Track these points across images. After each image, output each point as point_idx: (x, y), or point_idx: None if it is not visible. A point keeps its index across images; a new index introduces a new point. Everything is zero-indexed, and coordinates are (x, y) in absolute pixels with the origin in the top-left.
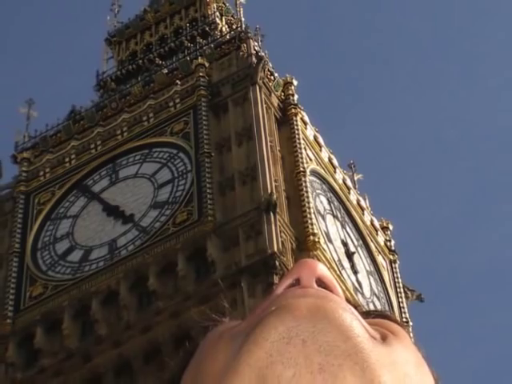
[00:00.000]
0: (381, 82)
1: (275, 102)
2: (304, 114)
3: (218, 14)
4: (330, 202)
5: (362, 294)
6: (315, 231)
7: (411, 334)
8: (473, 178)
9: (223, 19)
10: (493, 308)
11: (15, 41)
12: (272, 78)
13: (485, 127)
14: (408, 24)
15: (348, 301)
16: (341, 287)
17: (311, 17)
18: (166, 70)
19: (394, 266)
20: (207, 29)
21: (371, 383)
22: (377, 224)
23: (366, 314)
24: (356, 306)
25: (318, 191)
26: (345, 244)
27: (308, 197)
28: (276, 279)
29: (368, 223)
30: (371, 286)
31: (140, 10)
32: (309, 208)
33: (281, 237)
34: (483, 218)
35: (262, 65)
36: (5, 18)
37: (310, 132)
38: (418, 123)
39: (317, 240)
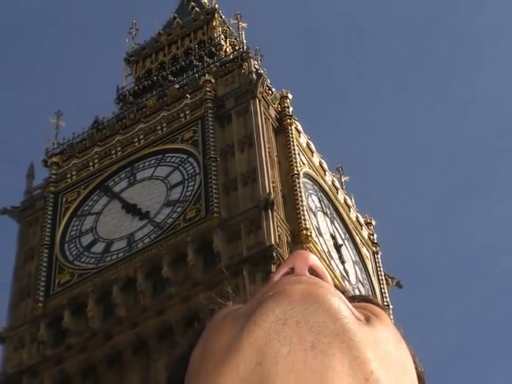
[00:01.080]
0: (365, 96)
1: (273, 113)
2: (298, 123)
3: (222, 36)
4: (320, 201)
5: (349, 281)
6: (307, 226)
7: (391, 316)
8: (445, 180)
9: (227, 41)
10: (462, 293)
11: (46, 60)
12: (270, 92)
13: (455, 135)
14: (387, 46)
15: (336, 287)
16: (330, 275)
17: (304, 39)
18: (177, 86)
19: (376, 256)
20: (213, 49)
21: (356, 359)
22: (361, 220)
23: (352, 299)
24: (343, 292)
25: (310, 191)
26: (333, 237)
27: (301, 196)
28: (273, 268)
29: (354, 219)
30: (356, 274)
31: (155, 33)
32: (302, 206)
33: (277, 231)
34: (454, 215)
35: (261, 81)
36: (38, 40)
37: (303, 139)
38: (397, 132)
39: (309, 234)
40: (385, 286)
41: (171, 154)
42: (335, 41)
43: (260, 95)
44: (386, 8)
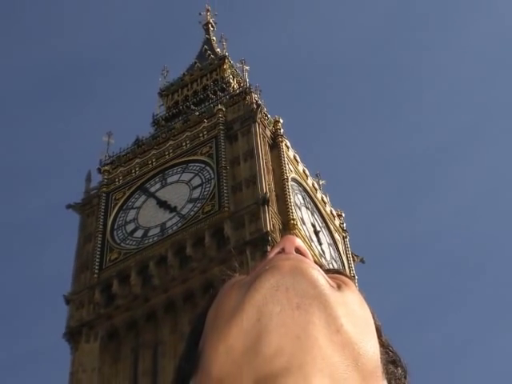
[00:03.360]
0: (338, 119)
1: (268, 133)
2: (287, 141)
3: (231, 76)
4: (304, 199)
5: (325, 258)
6: (294, 217)
7: (356, 284)
8: (396, 183)
9: (234, 80)
10: (409, 267)
11: (101, 94)
12: (266, 117)
13: (403, 149)
14: (353, 82)
15: (315, 262)
16: (311, 254)
17: (292, 78)
18: (197, 113)
19: (345, 240)
20: (224, 86)
21: (330, 316)
22: (334, 212)
23: (327, 271)
24: (321, 266)
25: (296, 191)
26: (313, 226)
27: (290, 195)
28: (269, 249)
29: (328, 212)
30: (331, 253)
31: (181, 73)
32: (290, 202)
33: (272, 221)
34: (403, 209)
35: (260, 109)
36: (94, 79)
37: (291, 153)
38: (361, 146)
39: (295, 223)
40: (352, 262)
41: (193, 164)
42: (315, 79)
43: (259, 120)
44: (352, 54)
